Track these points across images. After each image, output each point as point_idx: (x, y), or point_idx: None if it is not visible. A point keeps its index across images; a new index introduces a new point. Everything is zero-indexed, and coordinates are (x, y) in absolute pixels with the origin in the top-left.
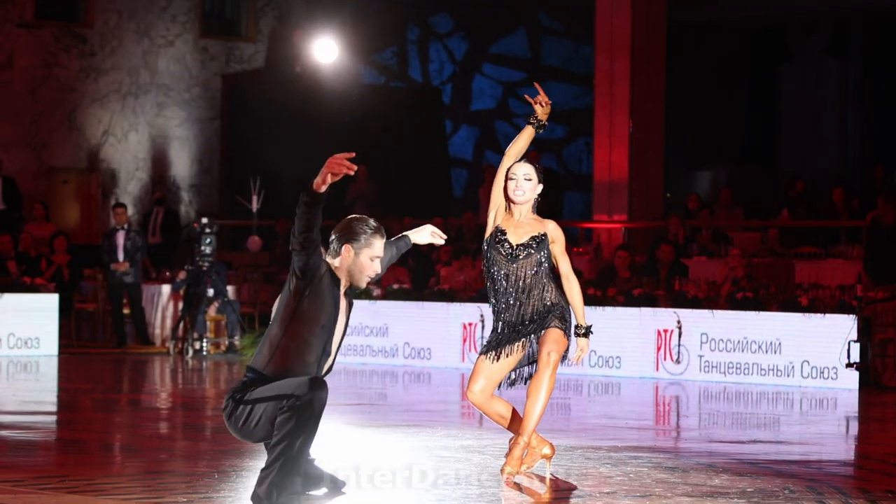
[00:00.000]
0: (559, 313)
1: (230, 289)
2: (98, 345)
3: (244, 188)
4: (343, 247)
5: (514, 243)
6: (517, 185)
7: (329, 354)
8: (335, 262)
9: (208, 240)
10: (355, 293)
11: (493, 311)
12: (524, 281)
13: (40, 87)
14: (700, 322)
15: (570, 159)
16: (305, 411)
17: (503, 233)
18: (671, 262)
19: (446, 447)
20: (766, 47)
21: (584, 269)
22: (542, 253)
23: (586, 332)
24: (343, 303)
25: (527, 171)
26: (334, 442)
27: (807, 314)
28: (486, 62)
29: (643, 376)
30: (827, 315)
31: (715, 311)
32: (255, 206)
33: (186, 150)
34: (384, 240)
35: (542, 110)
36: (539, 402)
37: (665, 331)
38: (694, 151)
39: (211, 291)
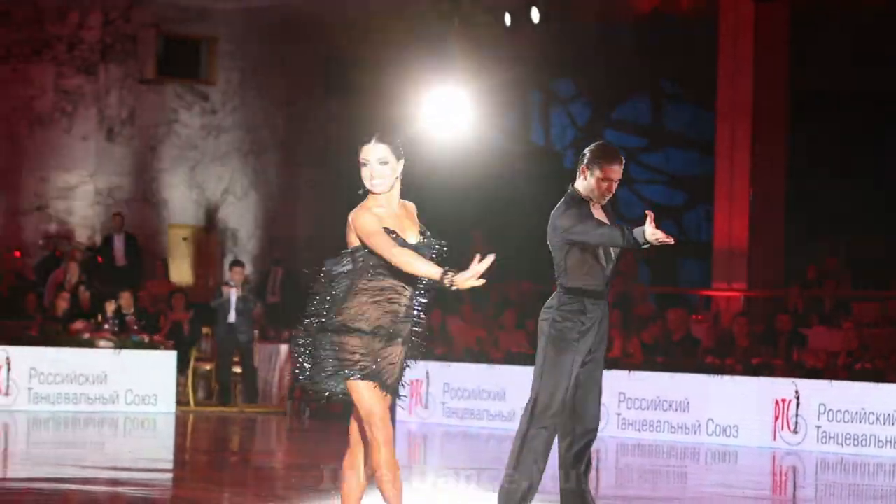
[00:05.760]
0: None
1: None
2: (214, 403)
3: None
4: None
5: (413, 243)
6: (371, 172)
7: None
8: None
9: None
10: None
11: (376, 326)
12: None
13: (161, 143)
14: (818, 392)
15: (690, 226)
16: None
17: (393, 234)
18: (789, 331)
19: None
20: (890, 116)
21: (703, 336)
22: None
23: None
24: None
25: (381, 154)
26: None
27: None
28: (608, 127)
29: (760, 446)
30: None
31: (833, 381)
32: None
33: (307, 209)
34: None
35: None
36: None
37: (783, 400)
38: (814, 220)
39: None
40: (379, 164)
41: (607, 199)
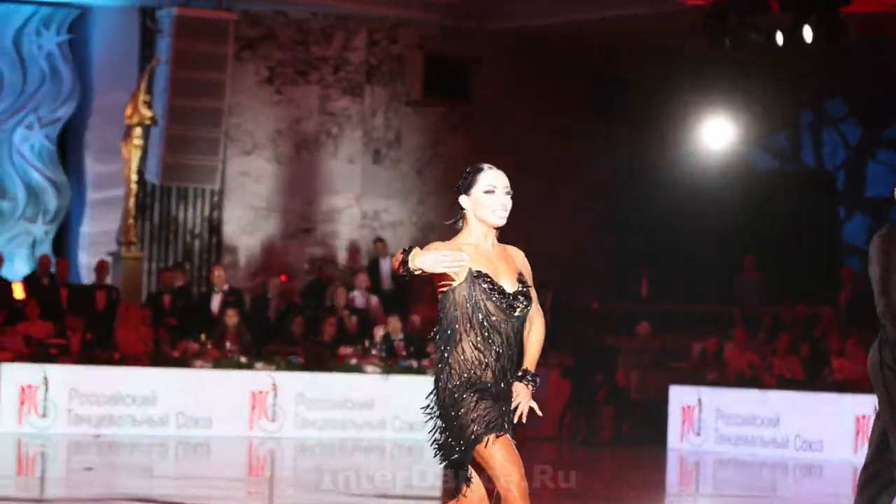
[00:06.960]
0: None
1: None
2: None
3: (632, 271)
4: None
5: (508, 291)
6: (499, 202)
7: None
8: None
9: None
10: None
11: (477, 376)
12: (518, 336)
13: (427, 166)
14: None
15: None
16: None
17: (486, 277)
18: None
19: None
20: None
21: None
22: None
23: (533, 379)
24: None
25: (507, 183)
26: None
27: None
28: (880, 148)
29: None
30: None
31: None
32: (644, 290)
33: (566, 231)
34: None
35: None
36: None
37: None
38: None
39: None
40: (506, 194)
41: None
